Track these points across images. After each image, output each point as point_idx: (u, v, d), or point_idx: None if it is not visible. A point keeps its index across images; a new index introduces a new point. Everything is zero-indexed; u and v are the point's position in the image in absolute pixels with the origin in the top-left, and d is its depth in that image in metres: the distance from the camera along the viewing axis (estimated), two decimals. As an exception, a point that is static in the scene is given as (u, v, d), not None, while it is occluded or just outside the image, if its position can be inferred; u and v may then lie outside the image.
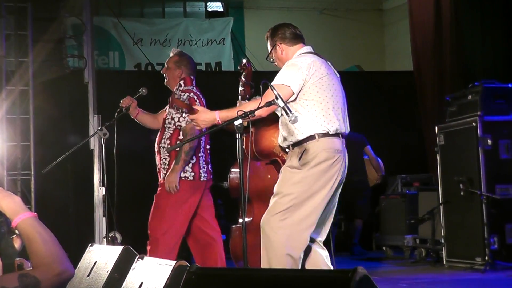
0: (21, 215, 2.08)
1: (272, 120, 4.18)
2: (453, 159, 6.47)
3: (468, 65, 8.39)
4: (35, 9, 7.19)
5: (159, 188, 4.86)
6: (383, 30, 12.91)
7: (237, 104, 4.34)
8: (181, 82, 4.93)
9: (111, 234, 5.26)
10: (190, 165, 4.79)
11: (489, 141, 6.11)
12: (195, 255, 5.01)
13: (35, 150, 7.01)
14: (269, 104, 3.52)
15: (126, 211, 6.80)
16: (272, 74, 3.87)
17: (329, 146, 3.72)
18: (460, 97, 6.57)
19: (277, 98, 3.46)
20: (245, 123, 3.53)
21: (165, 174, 4.81)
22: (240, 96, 4.56)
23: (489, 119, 6.19)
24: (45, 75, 7.48)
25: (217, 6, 12.34)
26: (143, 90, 4.96)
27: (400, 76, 10.06)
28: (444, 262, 6.48)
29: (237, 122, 3.41)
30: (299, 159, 3.73)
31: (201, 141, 4.88)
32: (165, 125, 4.90)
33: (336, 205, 3.88)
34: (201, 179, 4.83)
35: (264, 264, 3.69)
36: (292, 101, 3.75)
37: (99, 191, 6.71)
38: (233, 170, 4.86)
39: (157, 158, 4.94)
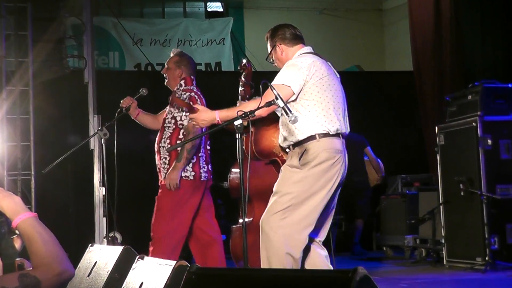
0: (21, 215, 2.08)
1: (272, 120, 4.18)
2: (453, 159, 6.47)
3: (468, 65, 8.39)
4: (35, 9, 7.19)
5: (160, 190, 4.86)
6: (383, 30, 12.91)
7: (237, 104, 4.34)
8: (182, 82, 4.94)
9: (111, 234, 5.26)
10: (191, 164, 4.80)
11: (489, 141, 6.11)
12: (195, 255, 5.02)
13: (35, 150, 7.01)
14: (269, 104, 3.52)
15: (126, 211, 6.80)
16: (272, 74, 3.87)
17: (330, 146, 3.72)
18: (460, 97, 6.57)
19: (277, 98, 3.46)
20: (245, 123, 3.53)
21: (166, 174, 4.81)
22: (240, 96, 4.56)
23: (489, 119, 6.19)
24: (45, 75, 7.48)
25: (217, 6, 12.34)
26: (143, 91, 4.96)
27: (400, 76, 10.06)
28: (445, 262, 6.48)
29: (237, 122, 3.41)
30: (300, 159, 3.73)
31: (201, 141, 4.89)
32: (165, 125, 4.91)
33: (335, 205, 3.88)
34: (202, 179, 4.84)
35: (264, 264, 3.69)
36: (292, 101, 3.75)
37: (99, 191, 6.71)
38: (233, 170, 4.86)
39: (157, 157, 4.94)
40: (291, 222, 3.65)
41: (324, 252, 3.87)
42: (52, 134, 7.72)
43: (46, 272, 1.98)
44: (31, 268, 2.03)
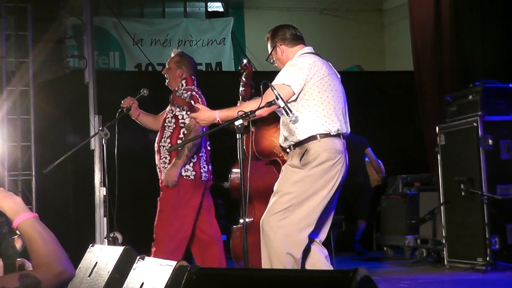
0: (22, 216, 2.08)
1: (273, 120, 4.18)
2: (453, 159, 6.47)
3: (468, 65, 8.39)
4: (35, 10, 7.19)
5: (161, 191, 4.86)
6: (383, 30, 12.91)
7: (238, 104, 4.34)
8: (183, 82, 4.94)
9: (112, 235, 5.26)
10: (191, 164, 4.80)
11: (490, 141, 6.11)
12: (195, 255, 5.02)
13: (35, 150, 7.01)
14: (269, 104, 3.52)
15: (127, 211, 6.80)
16: (273, 74, 3.87)
17: (331, 147, 3.72)
18: (460, 97, 6.56)
19: (277, 98, 3.46)
20: (246, 123, 3.53)
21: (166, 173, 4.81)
22: (240, 96, 4.56)
23: (490, 119, 6.19)
24: (46, 75, 7.47)
25: (217, 6, 12.35)
26: (144, 91, 4.96)
27: (400, 76, 10.07)
28: (445, 263, 6.48)
29: (238, 122, 3.41)
30: (300, 159, 3.73)
31: (202, 141, 4.89)
32: (165, 124, 4.91)
33: (335, 205, 3.88)
34: (202, 179, 4.84)
35: (265, 264, 3.69)
36: (293, 101, 3.75)
37: (100, 192, 6.71)
38: (233, 170, 4.86)
39: (157, 157, 4.94)
40: (291, 222, 3.65)
41: (324, 252, 3.87)
42: (53, 134, 7.72)
43: (47, 272, 1.98)
44: (31, 268, 2.03)
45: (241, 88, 4.59)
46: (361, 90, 9.15)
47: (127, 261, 3.01)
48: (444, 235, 6.53)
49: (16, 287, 1.92)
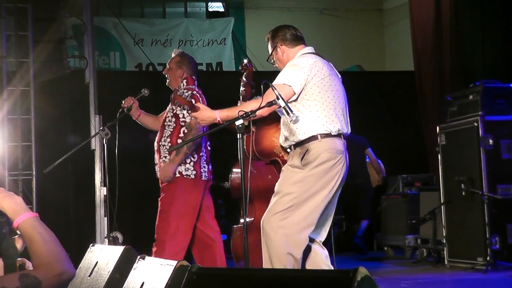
0: (22, 216, 2.08)
1: (273, 120, 4.18)
2: (454, 159, 6.47)
3: (468, 65, 8.40)
4: (35, 10, 7.19)
5: (162, 193, 4.86)
6: (383, 30, 12.91)
7: (238, 104, 4.34)
8: (184, 81, 4.95)
9: (112, 234, 5.26)
10: (192, 163, 4.79)
11: (490, 141, 6.11)
12: (195, 255, 5.01)
13: (36, 150, 7.01)
14: (270, 104, 3.52)
15: (127, 211, 6.81)
16: (273, 74, 3.87)
17: (331, 147, 3.72)
18: (460, 97, 6.56)
19: (278, 98, 3.46)
20: (246, 123, 3.53)
21: (166, 172, 4.81)
22: (241, 96, 4.57)
23: (490, 119, 6.19)
24: (46, 75, 7.48)
25: (217, 6, 12.35)
26: (145, 91, 4.96)
27: (400, 76, 10.07)
28: (446, 262, 6.48)
29: (238, 122, 3.41)
30: (301, 159, 3.73)
31: (202, 141, 4.88)
32: (165, 123, 4.90)
33: (335, 205, 3.88)
34: (202, 178, 4.84)
35: (265, 264, 3.69)
36: (293, 101, 3.75)
37: (101, 191, 6.71)
38: (234, 170, 4.87)
39: (156, 156, 4.93)
40: (291, 222, 3.65)
41: (324, 252, 3.87)
42: (53, 134, 7.73)
43: (47, 272, 1.98)
44: (32, 268, 2.03)
45: (241, 88, 4.59)
46: (361, 90, 9.15)
47: (128, 260, 3.01)
48: (444, 235, 6.53)
49: (16, 287, 1.92)
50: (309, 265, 3.80)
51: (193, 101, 4.58)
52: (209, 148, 4.97)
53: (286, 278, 1.98)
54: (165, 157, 4.84)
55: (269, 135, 4.36)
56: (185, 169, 4.78)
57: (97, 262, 3.26)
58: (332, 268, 3.81)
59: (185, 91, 4.87)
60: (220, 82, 8.68)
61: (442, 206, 6.57)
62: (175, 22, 11.73)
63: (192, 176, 4.79)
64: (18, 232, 2.10)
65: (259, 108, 3.55)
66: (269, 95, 3.61)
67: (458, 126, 6.43)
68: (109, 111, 5.73)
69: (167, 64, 5.07)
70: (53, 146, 7.34)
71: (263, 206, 4.14)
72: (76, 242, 7.13)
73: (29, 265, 2.19)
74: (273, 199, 3.76)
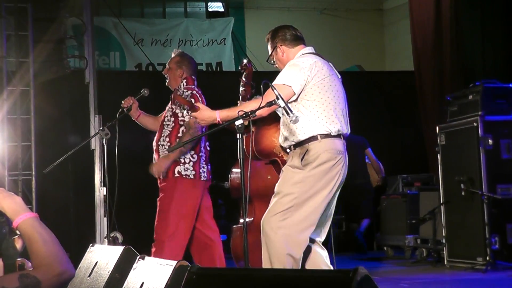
0: (22, 216, 2.08)
1: (273, 119, 4.18)
2: (454, 159, 6.47)
3: (468, 65, 8.40)
4: (35, 10, 7.19)
5: (161, 193, 4.85)
6: (383, 30, 12.92)
7: (238, 104, 4.34)
8: (184, 81, 4.94)
9: (112, 234, 5.26)
10: (191, 164, 4.79)
11: (490, 141, 6.11)
12: (194, 256, 5.00)
13: (36, 150, 7.01)
14: (270, 104, 3.52)
15: (127, 211, 6.80)
16: (273, 74, 3.87)
17: (331, 147, 3.72)
18: (460, 97, 6.57)
19: (277, 98, 3.46)
20: (246, 123, 3.53)
21: (166, 172, 4.80)
22: (240, 96, 4.56)
23: (490, 119, 6.19)
24: (46, 75, 7.48)
25: (217, 6, 12.35)
26: (145, 91, 4.96)
27: (400, 76, 10.07)
28: (445, 262, 6.48)
29: (238, 122, 3.41)
30: (301, 160, 3.73)
31: (201, 141, 4.88)
32: (164, 122, 4.90)
33: (335, 206, 3.88)
34: (202, 179, 4.84)
35: (265, 264, 3.69)
36: (293, 101, 3.75)
37: (100, 191, 6.71)
38: (233, 170, 4.86)
39: (155, 156, 4.93)
40: (291, 223, 3.65)
41: (324, 252, 3.87)
42: (53, 134, 7.73)
43: (47, 272, 1.98)
44: (31, 268, 2.03)
45: (241, 88, 4.59)
46: (361, 90, 9.16)
47: (127, 261, 3.01)
48: (444, 235, 6.53)
49: (16, 287, 1.92)
50: (308, 265, 3.80)
51: (193, 101, 4.58)
52: (208, 148, 4.97)
53: (286, 278, 1.98)
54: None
55: (269, 135, 4.36)
56: (184, 169, 4.77)
57: (96, 262, 3.26)
58: (332, 268, 3.81)
59: (185, 90, 4.87)
60: (220, 82, 8.68)
61: (442, 206, 6.57)
62: (175, 22, 11.74)
63: (191, 176, 4.78)
64: (18, 232, 2.10)
65: (259, 108, 3.54)
66: (269, 95, 3.61)
67: (458, 126, 6.43)
68: (109, 111, 5.73)
69: (167, 64, 5.07)
70: (53, 146, 7.34)
71: (262, 206, 4.14)
72: (76, 242, 7.13)
73: (28, 265, 2.19)
74: (273, 200, 3.76)
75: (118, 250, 3.13)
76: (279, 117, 3.98)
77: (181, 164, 4.77)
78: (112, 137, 4.88)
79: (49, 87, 7.57)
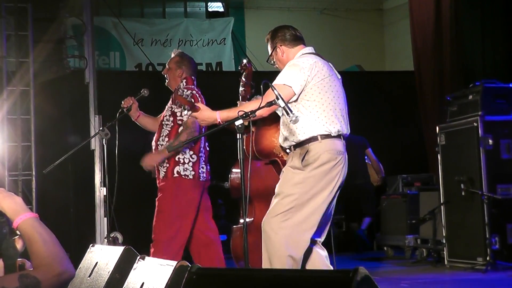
0: (22, 216, 2.08)
1: (273, 120, 4.18)
2: (454, 159, 6.47)
3: (468, 65, 8.40)
4: (35, 10, 7.20)
5: (159, 192, 4.85)
6: (383, 30, 12.92)
7: (238, 104, 4.34)
8: (184, 81, 4.94)
9: (112, 235, 5.26)
10: (191, 164, 4.79)
11: (490, 141, 6.11)
12: (193, 256, 4.99)
13: (36, 150, 7.01)
14: (270, 104, 3.52)
15: (127, 211, 6.81)
16: (273, 74, 3.87)
17: (332, 148, 3.72)
18: (460, 97, 6.57)
19: (277, 98, 3.46)
20: (246, 123, 3.53)
21: (165, 172, 4.80)
22: (240, 96, 4.56)
23: (490, 119, 6.19)
24: (46, 75, 7.48)
25: (217, 6, 12.35)
26: (145, 91, 4.96)
27: (400, 76, 10.07)
28: (445, 262, 6.48)
29: (238, 122, 3.41)
30: (302, 160, 3.72)
31: (201, 141, 4.88)
32: (163, 122, 4.90)
33: (334, 206, 3.88)
34: (201, 179, 4.83)
35: (265, 265, 3.69)
36: (293, 101, 3.75)
37: (100, 192, 6.71)
38: (233, 170, 4.86)
39: None
40: (292, 224, 3.64)
41: (324, 252, 3.87)
42: (53, 134, 7.73)
43: (47, 272, 1.98)
44: (31, 269, 2.03)
45: (241, 88, 4.59)
46: (361, 90, 9.16)
47: (128, 261, 3.01)
48: (444, 235, 6.53)
49: (16, 287, 1.92)
50: (308, 266, 3.80)
51: (193, 101, 4.58)
52: (207, 148, 4.96)
53: (286, 278, 1.98)
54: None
55: (269, 135, 4.36)
56: (184, 169, 4.77)
57: (97, 263, 3.26)
58: (332, 268, 3.81)
59: (184, 90, 4.86)
60: (220, 82, 8.68)
61: (442, 206, 6.57)
62: (175, 22, 11.74)
63: (191, 177, 4.78)
64: (18, 232, 2.10)
65: (259, 108, 3.54)
66: (269, 95, 3.60)
67: (458, 126, 6.43)
68: (109, 111, 5.73)
69: (166, 64, 5.07)
70: (53, 146, 7.34)
71: (262, 206, 4.14)
72: (76, 242, 7.13)
73: (28, 265, 2.19)
74: (274, 201, 3.76)
75: (118, 250, 3.13)
76: (279, 118, 3.98)
77: (180, 164, 4.77)
78: (112, 137, 4.88)
79: (49, 87, 7.58)
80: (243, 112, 3.48)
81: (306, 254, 3.75)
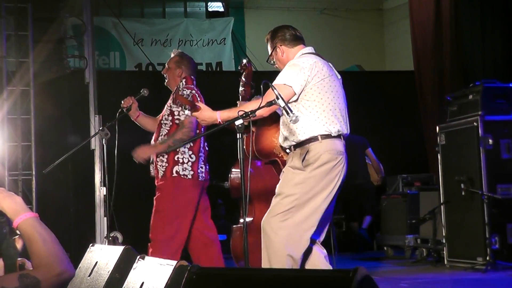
0: (22, 215, 2.08)
1: (274, 120, 4.18)
2: (454, 159, 6.47)
3: (468, 64, 8.40)
4: (35, 10, 7.20)
5: (158, 192, 4.84)
6: (383, 30, 12.92)
7: (238, 104, 4.34)
8: (183, 81, 4.94)
9: (112, 234, 5.26)
10: (190, 164, 4.78)
11: (490, 141, 6.11)
12: (192, 256, 4.99)
13: (36, 150, 7.02)
14: (270, 104, 3.52)
15: (127, 211, 6.81)
16: (273, 74, 3.87)
17: (332, 148, 3.72)
18: (460, 97, 6.56)
19: (278, 98, 3.46)
20: (246, 123, 3.53)
21: (163, 172, 4.80)
22: (240, 96, 4.56)
23: (490, 119, 6.19)
24: (46, 75, 7.49)
25: (217, 6, 12.35)
26: (144, 91, 4.96)
27: (400, 76, 10.08)
28: (445, 262, 6.48)
29: (238, 122, 3.41)
30: (302, 160, 3.72)
31: (200, 141, 4.88)
32: (162, 121, 4.90)
33: (334, 206, 3.88)
34: (199, 179, 4.82)
35: (265, 265, 3.69)
36: (293, 101, 3.75)
37: (100, 191, 6.71)
38: (233, 170, 4.86)
39: (153, 155, 4.92)
40: (292, 224, 3.64)
41: (323, 252, 3.87)
42: (53, 134, 7.73)
43: (46, 272, 1.98)
44: (31, 268, 2.03)
45: (240, 88, 4.59)
46: (361, 90, 9.16)
47: (127, 260, 3.02)
48: (444, 234, 6.53)
49: (16, 287, 1.92)
50: (308, 265, 3.80)
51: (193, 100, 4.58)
52: (206, 148, 4.96)
53: (286, 278, 1.98)
54: (163, 156, 4.83)
55: (269, 135, 4.36)
56: (183, 169, 4.76)
57: (96, 262, 3.26)
58: (332, 268, 3.81)
59: (184, 90, 4.86)
60: (220, 82, 8.69)
61: (442, 206, 6.57)
62: (175, 22, 11.74)
63: (189, 176, 4.77)
64: (18, 232, 2.10)
65: (259, 108, 3.54)
66: (269, 95, 3.61)
67: (458, 126, 6.43)
68: (109, 111, 5.73)
69: (166, 64, 5.07)
70: (53, 146, 7.34)
71: (262, 206, 4.14)
72: (76, 242, 7.13)
73: (28, 265, 2.19)
74: (274, 201, 3.76)
75: (118, 250, 3.13)
76: (279, 117, 3.98)
77: (179, 164, 4.77)
78: (112, 137, 4.88)
79: (49, 87, 7.58)
80: (243, 112, 3.48)
81: (305, 254, 3.75)
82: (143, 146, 4.79)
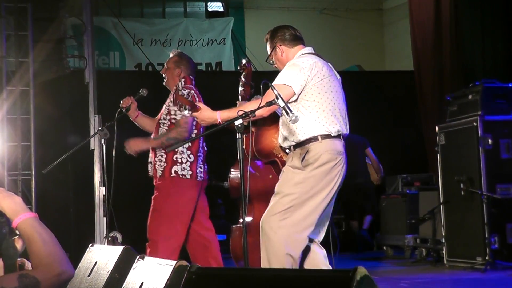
0: (22, 216, 2.08)
1: (273, 120, 4.18)
2: (453, 159, 6.47)
3: (468, 64, 8.40)
4: (35, 9, 7.20)
5: (156, 191, 4.84)
6: (383, 30, 12.92)
7: (237, 104, 4.34)
8: (182, 80, 4.94)
9: (111, 234, 5.25)
10: (188, 163, 4.78)
11: (490, 141, 6.11)
12: (191, 256, 4.98)
13: (35, 150, 7.01)
14: (269, 104, 3.52)
15: (127, 211, 6.80)
16: (273, 74, 3.87)
17: (332, 148, 3.72)
18: (460, 97, 6.57)
19: (277, 98, 3.46)
20: (245, 123, 3.53)
21: (162, 171, 4.80)
22: (240, 96, 4.56)
23: (490, 119, 6.19)
24: (46, 75, 7.48)
25: (217, 6, 12.35)
26: (144, 91, 4.95)
27: (400, 76, 10.08)
28: (445, 262, 6.48)
29: (238, 122, 3.41)
30: (302, 160, 3.73)
31: (199, 141, 4.87)
32: (160, 121, 4.89)
33: (333, 206, 3.88)
34: (198, 179, 4.82)
35: (264, 264, 3.69)
36: (293, 101, 3.75)
37: (100, 191, 6.71)
38: (233, 170, 4.86)
39: (152, 155, 4.91)
40: (291, 223, 3.65)
41: (323, 251, 3.87)
42: (53, 134, 7.73)
43: (46, 272, 1.98)
44: (31, 269, 2.03)
45: (240, 88, 4.59)
46: (361, 90, 9.16)
47: (127, 260, 3.01)
48: (443, 234, 6.53)
49: (15, 287, 1.92)
50: (307, 265, 3.81)
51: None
52: (205, 148, 4.96)
53: (286, 278, 1.98)
54: (161, 155, 4.83)
55: (269, 135, 4.36)
56: (181, 169, 4.76)
57: (96, 262, 3.26)
58: (331, 268, 3.81)
59: (183, 90, 4.86)
60: (220, 82, 8.69)
61: (441, 206, 6.57)
62: (174, 22, 11.74)
63: (188, 176, 4.77)
64: (17, 232, 2.10)
65: (259, 108, 3.54)
66: (269, 95, 3.61)
67: (458, 126, 6.43)
68: (109, 111, 5.73)
69: (165, 64, 5.07)
70: (53, 146, 7.34)
71: (262, 206, 4.13)
72: (75, 242, 7.13)
73: (28, 265, 2.19)
74: (273, 200, 3.76)
75: (117, 250, 3.13)
76: (279, 118, 3.98)
77: (178, 164, 4.76)
78: (111, 137, 4.88)
79: (49, 87, 7.58)
80: (243, 112, 3.49)
81: (305, 254, 3.76)
82: (136, 139, 4.79)
